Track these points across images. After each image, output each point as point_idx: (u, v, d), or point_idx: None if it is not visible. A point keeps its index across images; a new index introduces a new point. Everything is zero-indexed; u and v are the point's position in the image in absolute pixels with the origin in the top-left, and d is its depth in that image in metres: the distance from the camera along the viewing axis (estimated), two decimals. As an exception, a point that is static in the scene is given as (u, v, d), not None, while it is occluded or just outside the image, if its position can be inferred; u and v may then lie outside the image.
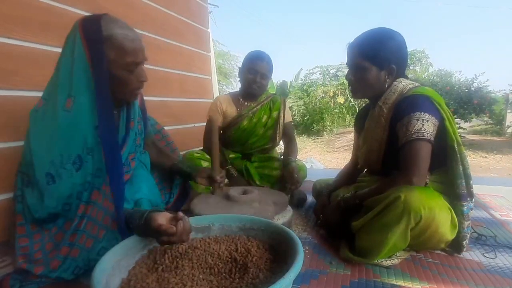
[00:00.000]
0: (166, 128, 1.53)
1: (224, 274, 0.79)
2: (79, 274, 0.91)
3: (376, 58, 1.16)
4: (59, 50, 1.42)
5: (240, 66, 1.90)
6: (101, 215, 0.93)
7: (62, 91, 0.92)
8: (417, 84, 1.18)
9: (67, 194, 0.92)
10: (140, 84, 1.04)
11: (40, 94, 1.35)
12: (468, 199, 1.09)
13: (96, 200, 0.94)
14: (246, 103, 1.91)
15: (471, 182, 1.10)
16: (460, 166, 1.09)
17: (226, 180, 1.75)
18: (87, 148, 0.92)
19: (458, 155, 1.09)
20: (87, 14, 1.55)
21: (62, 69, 0.94)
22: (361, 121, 1.39)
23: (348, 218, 1.17)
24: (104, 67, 0.93)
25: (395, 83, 1.19)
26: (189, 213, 1.20)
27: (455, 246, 1.11)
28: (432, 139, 1.06)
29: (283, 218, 1.25)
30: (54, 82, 0.96)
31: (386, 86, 1.20)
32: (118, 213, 0.94)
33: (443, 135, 1.10)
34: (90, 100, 0.92)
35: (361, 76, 1.20)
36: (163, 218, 0.83)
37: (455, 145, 1.09)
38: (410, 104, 1.10)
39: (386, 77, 1.19)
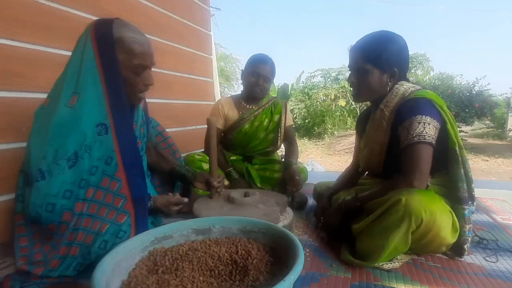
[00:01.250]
0: (168, 130, 1.53)
1: (224, 276, 0.79)
2: (82, 269, 0.92)
3: (379, 61, 1.16)
4: (63, 52, 1.46)
5: (243, 69, 1.90)
6: (105, 211, 0.93)
7: (68, 89, 0.95)
8: (418, 87, 1.18)
9: (53, 193, 0.90)
10: (145, 87, 1.07)
11: (43, 95, 1.37)
12: (470, 202, 1.09)
13: (92, 197, 0.94)
14: (248, 106, 1.91)
15: (472, 185, 1.10)
16: (462, 169, 1.09)
17: (227, 183, 1.75)
18: (85, 145, 0.92)
19: (460, 158, 1.09)
20: (90, 17, 1.59)
21: (70, 68, 0.98)
22: (363, 124, 1.40)
23: (349, 221, 1.17)
24: (117, 67, 0.97)
25: (396, 86, 1.19)
26: (192, 216, 1.21)
27: (457, 249, 1.11)
28: (434, 142, 1.06)
29: (284, 220, 1.25)
30: (61, 81, 0.99)
31: (388, 89, 1.20)
32: (141, 202, 0.99)
33: (444, 138, 1.10)
34: (95, 98, 0.94)
35: (364, 79, 1.20)
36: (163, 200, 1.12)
37: (457, 148, 1.09)
38: (412, 107, 1.10)
39: (388, 80, 1.19)
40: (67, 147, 0.91)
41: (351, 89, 1.29)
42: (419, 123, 1.06)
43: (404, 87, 1.18)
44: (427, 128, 1.05)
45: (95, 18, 1.61)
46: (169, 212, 1.14)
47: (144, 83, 1.06)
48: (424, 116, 1.06)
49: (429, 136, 1.05)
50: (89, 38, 0.97)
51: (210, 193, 1.35)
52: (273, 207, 1.27)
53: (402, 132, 1.10)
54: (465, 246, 1.09)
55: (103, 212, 0.93)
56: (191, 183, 1.35)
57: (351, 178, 1.49)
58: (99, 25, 0.99)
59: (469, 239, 1.10)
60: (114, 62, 0.97)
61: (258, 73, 1.78)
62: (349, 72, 1.26)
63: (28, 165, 0.96)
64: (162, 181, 1.43)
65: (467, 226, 1.08)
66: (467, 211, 1.08)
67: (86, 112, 0.93)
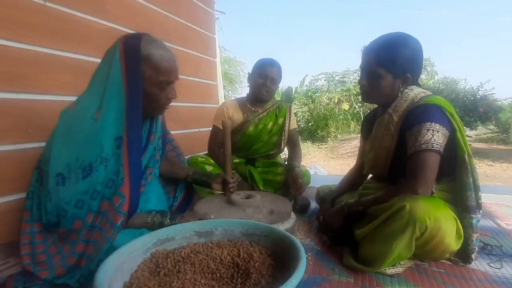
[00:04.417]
0: (171, 132, 1.54)
1: (226, 279, 0.78)
2: (83, 282, 0.91)
3: (392, 66, 1.14)
4: (68, 54, 1.48)
5: (250, 72, 1.92)
6: (107, 226, 0.91)
7: (95, 101, 0.97)
8: (429, 92, 1.16)
9: (67, 200, 0.92)
10: (168, 101, 1.10)
11: (48, 97, 1.39)
12: (477, 211, 1.07)
13: (106, 211, 0.93)
14: (253, 109, 1.92)
15: (480, 193, 1.08)
16: (470, 178, 1.07)
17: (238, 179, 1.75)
18: (101, 157, 0.93)
19: (469, 167, 1.07)
20: (96, 20, 1.61)
21: (98, 80, 1.00)
22: (368, 126, 1.38)
23: (350, 224, 1.16)
24: (140, 83, 0.98)
25: (406, 90, 1.17)
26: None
27: (463, 258, 1.09)
28: (441, 150, 1.05)
29: (286, 224, 1.25)
30: (89, 91, 1.02)
31: (399, 93, 1.18)
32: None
33: (453, 146, 1.08)
34: (116, 112, 0.96)
35: (376, 83, 1.18)
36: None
37: (466, 156, 1.07)
38: (421, 113, 1.08)
39: (400, 85, 1.17)
40: (85, 158, 0.92)
41: (360, 90, 1.26)
42: (427, 130, 1.05)
43: (414, 92, 1.16)
44: (435, 136, 1.04)
45: (101, 21, 1.65)
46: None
47: (168, 97, 1.09)
48: (433, 124, 1.05)
49: (437, 144, 1.04)
50: (118, 51, 0.98)
51: (225, 191, 1.41)
52: (260, 214, 1.25)
53: (410, 138, 1.09)
54: (473, 256, 1.07)
55: (106, 227, 0.90)
56: (209, 186, 1.40)
57: (354, 180, 1.48)
58: (128, 40, 1.00)
59: (477, 248, 1.08)
60: (139, 78, 0.98)
61: (266, 74, 1.80)
62: (360, 72, 1.24)
63: (46, 164, 0.97)
64: (165, 182, 1.43)
65: (475, 235, 1.06)
66: (475, 220, 1.06)
67: (106, 125, 0.95)
